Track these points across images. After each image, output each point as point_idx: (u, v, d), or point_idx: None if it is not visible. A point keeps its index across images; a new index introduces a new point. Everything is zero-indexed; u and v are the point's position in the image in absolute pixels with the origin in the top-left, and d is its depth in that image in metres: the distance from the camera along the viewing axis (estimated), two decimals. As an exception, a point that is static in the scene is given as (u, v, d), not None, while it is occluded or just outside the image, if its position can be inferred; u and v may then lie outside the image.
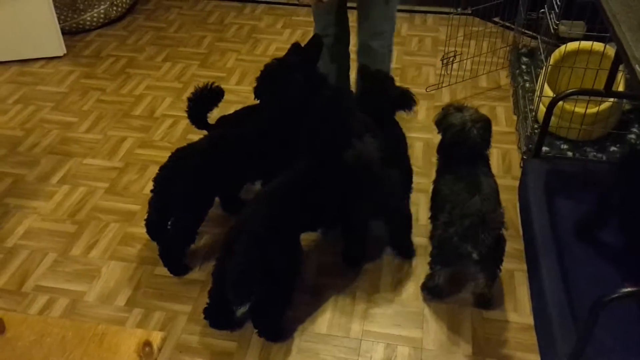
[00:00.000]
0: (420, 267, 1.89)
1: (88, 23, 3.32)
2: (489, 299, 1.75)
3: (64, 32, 3.11)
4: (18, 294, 1.83)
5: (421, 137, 2.48)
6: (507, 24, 3.10)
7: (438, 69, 2.90)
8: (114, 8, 3.40)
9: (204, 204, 1.85)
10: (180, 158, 1.81)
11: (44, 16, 2.96)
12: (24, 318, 1.10)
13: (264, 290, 1.53)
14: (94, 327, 1.08)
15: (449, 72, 2.77)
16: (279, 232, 1.55)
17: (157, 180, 1.80)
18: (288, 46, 1.94)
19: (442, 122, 1.86)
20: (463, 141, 1.77)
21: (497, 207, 1.65)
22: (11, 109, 2.71)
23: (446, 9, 3.25)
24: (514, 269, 1.88)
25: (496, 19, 3.22)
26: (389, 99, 1.97)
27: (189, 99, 1.91)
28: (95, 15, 3.33)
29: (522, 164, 2.29)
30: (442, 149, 1.88)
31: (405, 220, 1.93)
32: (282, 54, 1.92)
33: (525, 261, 1.88)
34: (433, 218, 1.84)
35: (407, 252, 1.96)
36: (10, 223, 2.08)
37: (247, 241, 1.48)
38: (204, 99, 1.91)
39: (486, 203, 1.61)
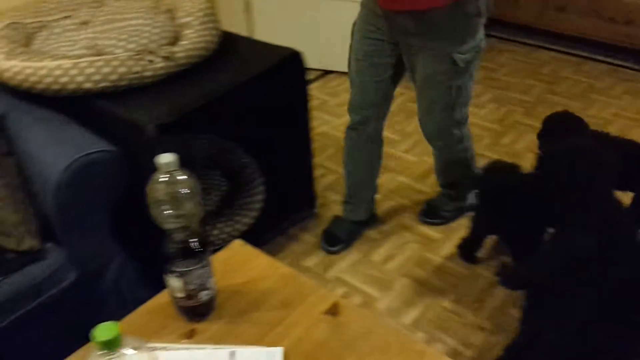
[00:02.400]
0: None
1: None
2: None
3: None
4: (321, 278, 2.03)
5: None
6: None
7: None
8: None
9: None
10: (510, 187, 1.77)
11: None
12: (354, 309, 1.18)
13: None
14: (415, 343, 1.10)
15: None
16: (611, 319, 1.39)
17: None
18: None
19: None
20: None
21: None
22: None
23: None
24: None
25: None
26: None
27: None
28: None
29: None
30: None
31: None
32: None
33: None
34: None
35: None
36: (326, 214, 2.33)
37: (564, 332, 1.35)
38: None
39: None
